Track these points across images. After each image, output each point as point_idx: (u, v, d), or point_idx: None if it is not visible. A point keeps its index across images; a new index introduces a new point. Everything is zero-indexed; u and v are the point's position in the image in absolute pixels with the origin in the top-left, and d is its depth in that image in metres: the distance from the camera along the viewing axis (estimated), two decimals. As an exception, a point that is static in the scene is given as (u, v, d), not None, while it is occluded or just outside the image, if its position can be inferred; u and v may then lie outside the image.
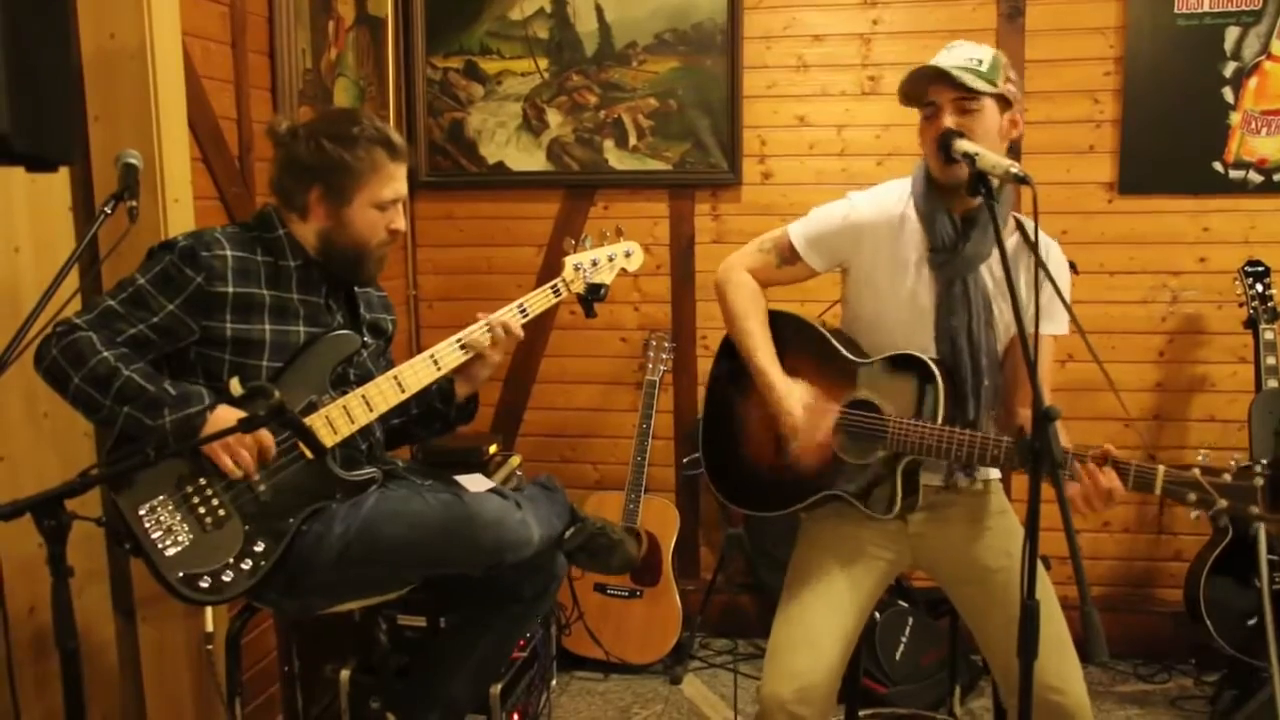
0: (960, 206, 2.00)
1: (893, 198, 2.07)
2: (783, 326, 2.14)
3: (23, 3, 1.58)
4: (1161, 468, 1.73)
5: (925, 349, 2.00)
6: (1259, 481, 1.68)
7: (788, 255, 2.13)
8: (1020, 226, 1.98)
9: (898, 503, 1.97)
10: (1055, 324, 2.03)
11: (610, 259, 2.28)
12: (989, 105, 1.93)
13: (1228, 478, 1.69)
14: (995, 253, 1.99)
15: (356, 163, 1.96)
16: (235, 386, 1.87)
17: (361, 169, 1.97)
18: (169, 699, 2.41)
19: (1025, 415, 2.03)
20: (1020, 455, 1.85)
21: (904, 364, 2.00)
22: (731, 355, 2.22)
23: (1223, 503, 1.69)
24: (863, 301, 2.10)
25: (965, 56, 1.94)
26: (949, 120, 1.91)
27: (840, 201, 2.11)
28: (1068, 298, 2.02)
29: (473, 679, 2.28)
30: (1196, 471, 1.71)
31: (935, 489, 2.05)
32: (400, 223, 2.05)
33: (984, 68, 1.92)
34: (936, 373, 1.95)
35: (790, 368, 2.08)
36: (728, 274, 2.18)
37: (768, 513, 2.16)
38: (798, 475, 2.09)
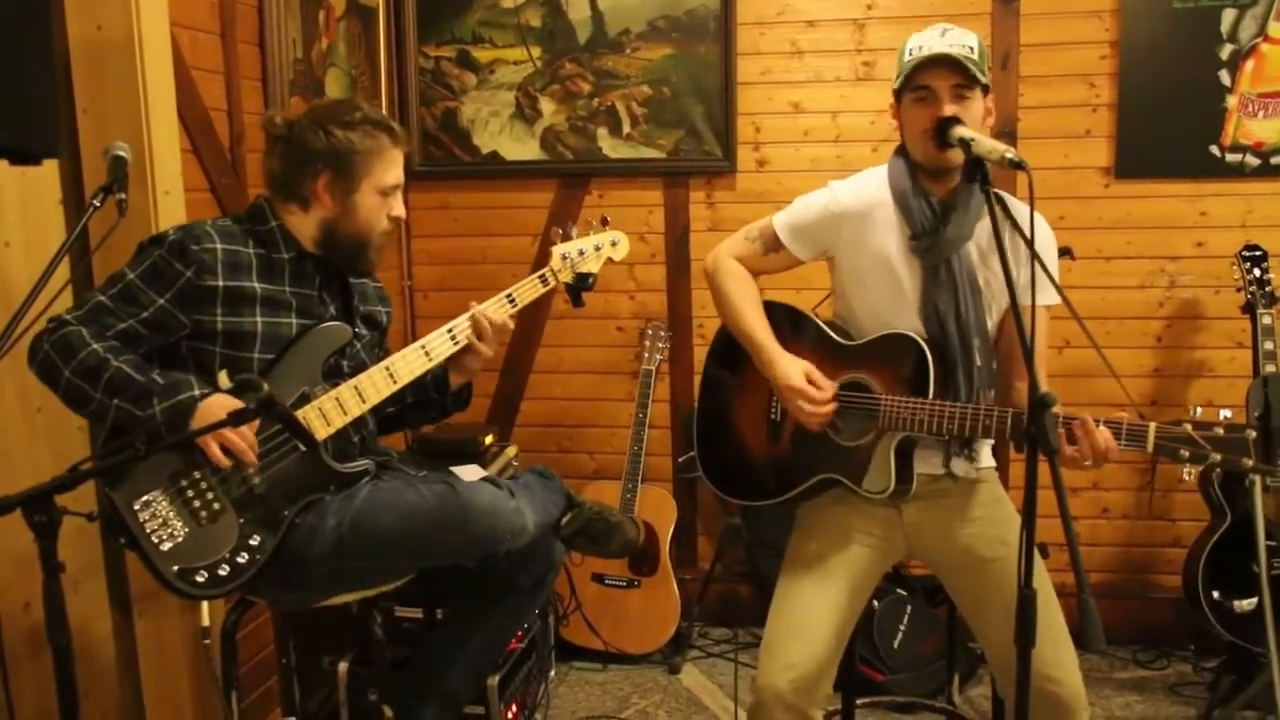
0: (940, 190, 2.00)
1: (872, 185, 2.08)
2: (775, 316, 2.14)
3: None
4: (1153, 424, 1.73)
5: (916, 332, 2.00)
6: (1251, 433, 1.67)
7: (772, 244, 2.14)
8: (1000, 201, 1.95)
9: (891, 482, 1.97)
10: (1046, 293, 2.01)
11: (597, 248, 2.28)
12: (978, 93, 1.94)
13: (1220, 431, 1.69)
14: (978, 230, 1.99)
15: (363, 146, 1.97)
16: (224, 379, 1.86)
17: (368, 153, 1.98)
18: (167, 693, 2.40)
19: (1021, 389, 2.03)
20: (1015, 437, 1.85)
21: (893, 344, 2.01)
22: (722, 348, 2.22)
23: (1216, 456, 1.68)
24: (850, 290, 2.11)
25: (960, 43, 1.92)
26: (948, 107, 1.90)
27: (821, 190, 2.12)
28: (1054, 268, 2.01)
29: (470, 670, 2.28)
30: (1188, 427, 1.70)
31: (931, 477, 2.04)
32: (400, 209, 2.06)
33: (976, 55, 1.92)
34: (925, 349, 1.95)
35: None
36: (717, 262, 2.19)
37: (765, 501, 2.16)
38: (793, 460, 2.09)
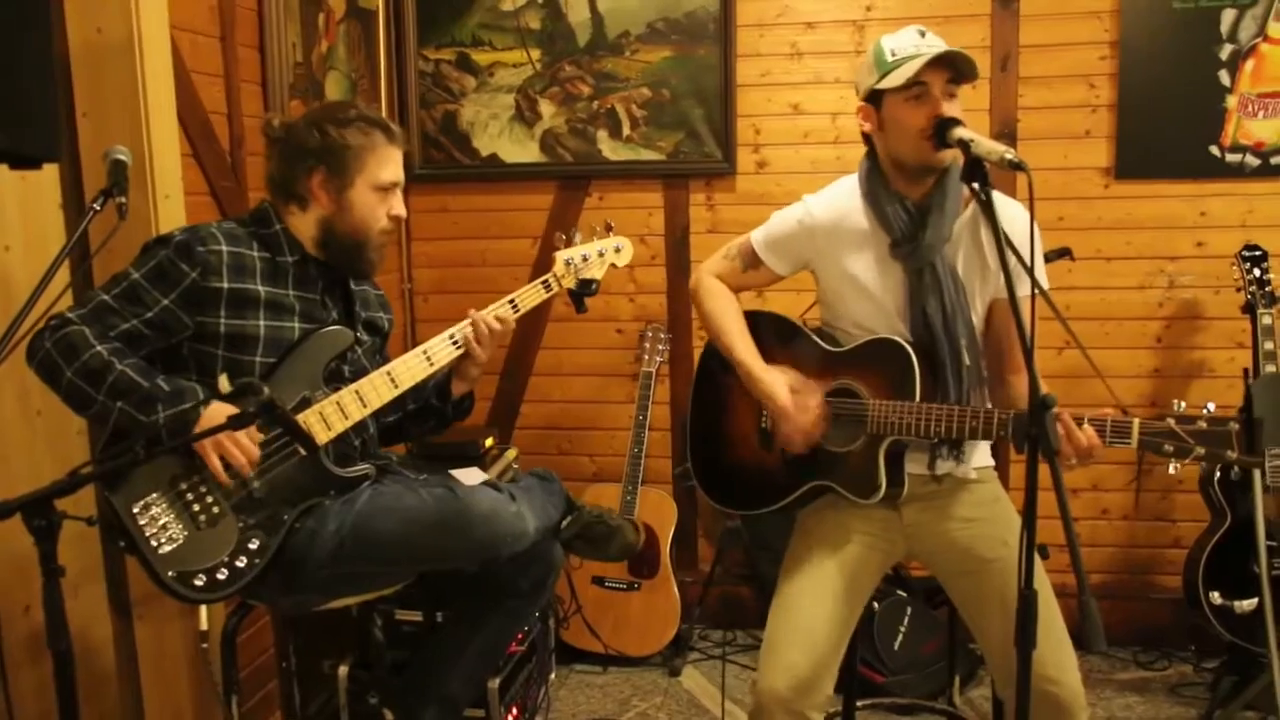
0: (915, 193, 1.99)
1: (845, 195, 2.08)
2: (761, 326, 2.15)
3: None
4: (1137, 419, 1.74)
5: (900, 335, 2.00)
6: (1234, 425, 1.68)
7: (751, 261, 2.16)
8: (976, 195, 1.93)
9: (882, 487, 1.97)
10: (1026, 284, 1.98)
11: (600, 254, 2.28)
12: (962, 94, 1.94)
13: (1203, 425, 1.70)
14: (961, 224, 1.98)
15: (356, 143, 1.98)
16: (224, 383, 1.86)
17: (361, 149, 1.99)
18: (167, 697, 2.40)
19: (1014, 383, 2.03)
20: (1016, 440, 1.85)
21: (879, 348, 2.01)
22: (711, 360, 2.23)
23: (1199, 449, 1.69)
24: (832, 299, 2.11)
25: (941, 45, 1.92)
26: (946, 106, 1.89)
27: (796, 205, 2.12)
28: (1038, 257, 2.00)
29: (470, 673, 2.27)
30: (1171, 421, 1.71)
31: (925, 479, 2.04)
32: (400, 208, 2.06)
33: None
34: (910, 353, 1.95)
35: (772, 364, 2.08)
36: (700, 281, 2.22)
37: (759, 510, 2.16)
38: (785, 469, 2.09)
